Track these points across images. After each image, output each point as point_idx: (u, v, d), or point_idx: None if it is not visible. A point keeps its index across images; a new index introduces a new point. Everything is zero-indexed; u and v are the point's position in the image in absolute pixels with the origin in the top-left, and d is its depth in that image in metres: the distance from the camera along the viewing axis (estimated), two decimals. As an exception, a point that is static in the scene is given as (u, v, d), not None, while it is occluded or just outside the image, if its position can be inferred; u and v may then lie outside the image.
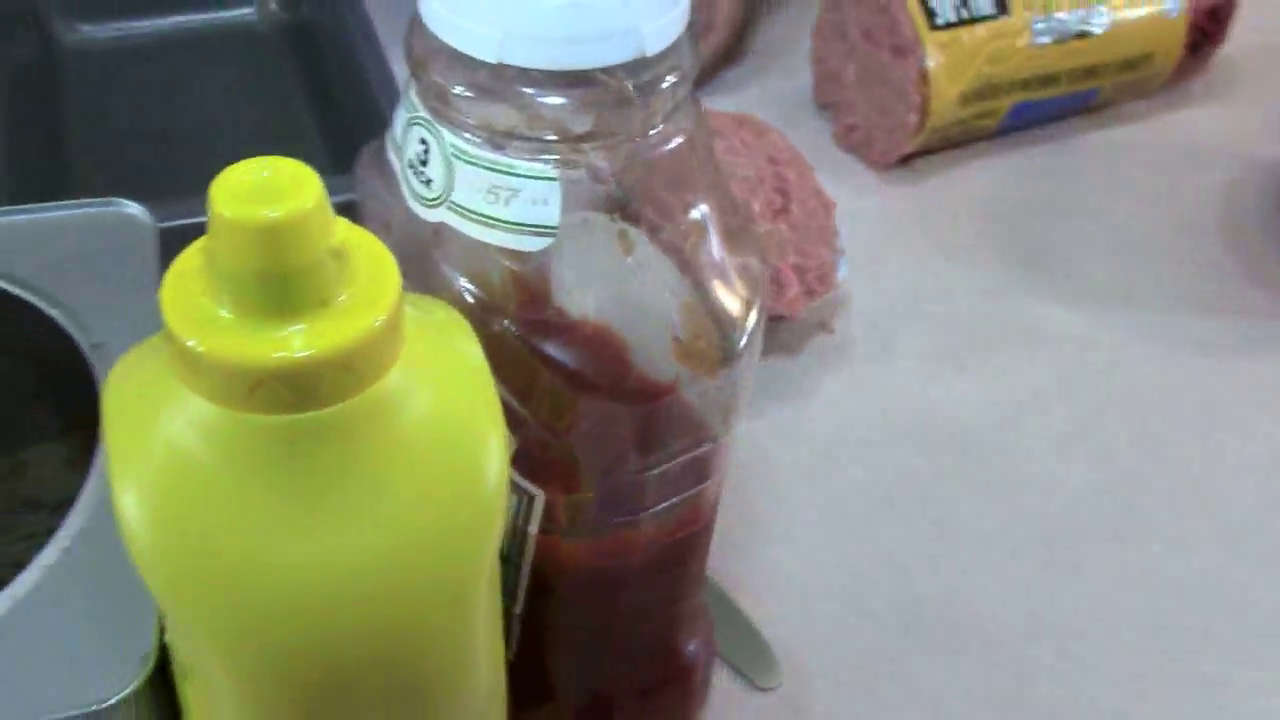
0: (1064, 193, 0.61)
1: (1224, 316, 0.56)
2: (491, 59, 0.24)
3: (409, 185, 0.27)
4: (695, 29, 0.27)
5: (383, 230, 0.28)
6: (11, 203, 0.47)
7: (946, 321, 0.54)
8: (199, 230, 0.22)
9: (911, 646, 0.41)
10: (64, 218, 0.39)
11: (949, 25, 0.58)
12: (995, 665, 0.41)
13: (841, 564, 0.44)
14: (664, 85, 0.26)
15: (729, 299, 0.27)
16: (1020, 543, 0.45)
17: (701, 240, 0.27)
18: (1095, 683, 0.41)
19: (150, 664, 0.26)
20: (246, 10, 0.65)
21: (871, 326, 0.53)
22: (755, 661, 0.40)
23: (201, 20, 0.64)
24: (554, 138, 0.25)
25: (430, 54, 0.25)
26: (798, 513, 0.45)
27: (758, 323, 0.28)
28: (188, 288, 0.22)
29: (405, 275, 0.23)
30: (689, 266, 0.27)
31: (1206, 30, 0.64)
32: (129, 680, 0.26)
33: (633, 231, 0.26)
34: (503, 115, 0.25)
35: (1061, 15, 0.60)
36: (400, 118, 0.27)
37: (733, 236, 0.28)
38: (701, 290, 0.27)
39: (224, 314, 0.21)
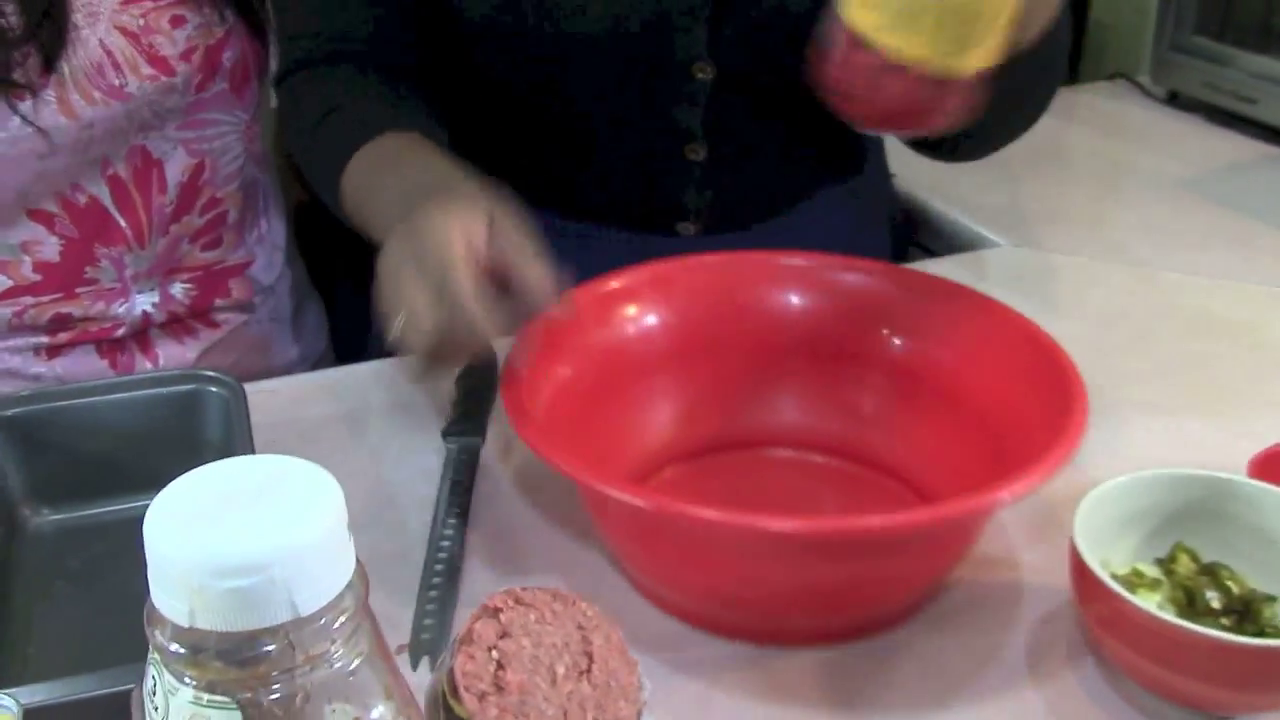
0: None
1: (1022, 748, 0.61)
2: (185, 624, 0.33)
3: (146, 708, 0.35)
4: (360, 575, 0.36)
5: (140, 740, 0.36)
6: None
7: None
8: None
9: None
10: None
11: None
12: None
13: None
14: (335, 625, 0.35)
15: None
16: None
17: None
18: None
19: None
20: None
21: (690, 769, 0.59)
22: None
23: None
24: (236, 678, 0.34)
25: (154, 617, 0.34)
26: None
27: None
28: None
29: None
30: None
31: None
32: None
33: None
34: (197, 662, 0.34)
35: None
36: (147, 661, 0.36)
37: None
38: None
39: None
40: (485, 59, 0.88)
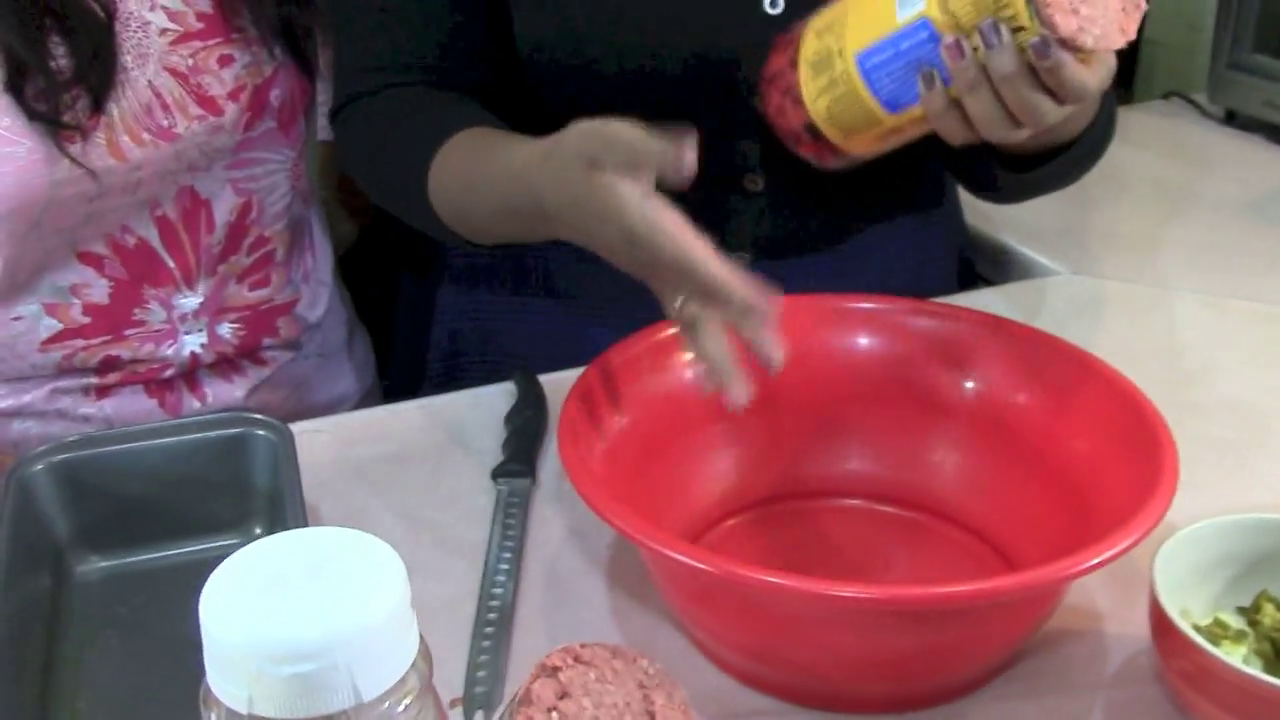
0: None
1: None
2: (244, 711, 0.32)
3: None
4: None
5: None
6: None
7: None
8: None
9: None
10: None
11: None
12: None
13: None
14: (400, 709, 0.33)
15: None
16: None
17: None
18: None
19: None
20: (235, 541, 0.75)
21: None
22: None
23: (200, 550, 0.75)
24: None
25: (209, 700, 0.33)
26: None
27: None
28: None
29: None
30: None
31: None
32: None
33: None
34: (257, 750, 0.32)
35: None
36: None
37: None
38: None
39: None
40: (547, 88, 0.87)
